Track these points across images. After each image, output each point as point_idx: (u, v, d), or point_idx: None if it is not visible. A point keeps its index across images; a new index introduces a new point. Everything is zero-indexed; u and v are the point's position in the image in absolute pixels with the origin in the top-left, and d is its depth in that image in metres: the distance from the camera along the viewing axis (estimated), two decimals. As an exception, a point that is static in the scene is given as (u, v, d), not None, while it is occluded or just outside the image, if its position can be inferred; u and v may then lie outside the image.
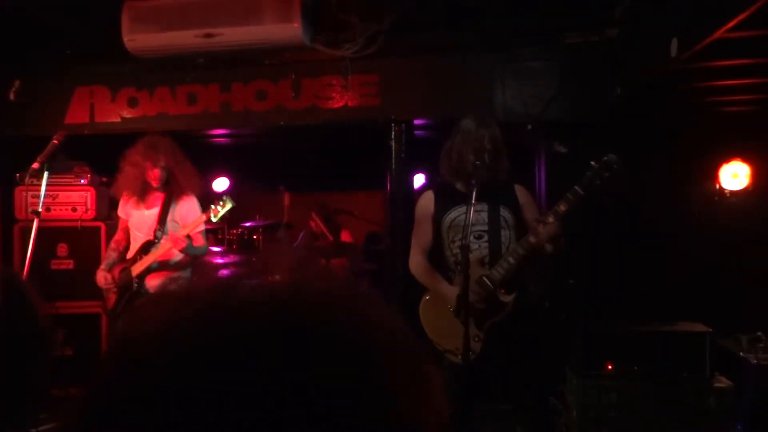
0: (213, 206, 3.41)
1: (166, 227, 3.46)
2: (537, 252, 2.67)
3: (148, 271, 3.45)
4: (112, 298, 3.51)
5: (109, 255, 3.58)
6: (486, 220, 2.77)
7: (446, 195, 2.84)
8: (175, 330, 0.40)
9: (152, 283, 3.46)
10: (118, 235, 3.64)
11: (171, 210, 3.49)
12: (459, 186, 2.81)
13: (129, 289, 3.46)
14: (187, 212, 3.49)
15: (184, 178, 3.49)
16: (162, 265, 3.48)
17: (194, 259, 3.58)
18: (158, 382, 0.38)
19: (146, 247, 3.47)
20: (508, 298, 2.69)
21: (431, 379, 0.44)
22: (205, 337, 0.39)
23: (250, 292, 0.42)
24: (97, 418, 0.39)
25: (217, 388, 0.37)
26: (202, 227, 3.51)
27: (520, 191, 2.87)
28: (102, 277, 3.50)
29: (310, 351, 0.39)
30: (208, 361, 0.38)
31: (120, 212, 3.63)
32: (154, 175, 3.41)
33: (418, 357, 0.44)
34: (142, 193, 3.47)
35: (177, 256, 3.49)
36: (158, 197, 3.49)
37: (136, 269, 3.45)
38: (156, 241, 3.45)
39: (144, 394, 0.38)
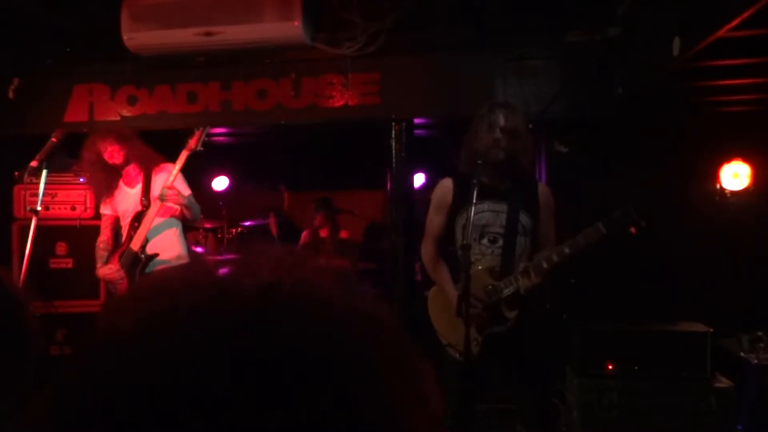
0: (189, 138, 3.42)
1: (150, 196, 3.47)
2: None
3: (147, 241, 3.43)
4: (123, 286, 3.49)
5: (100, 254, 3.57)
6: (503, 223, 2.68)
7: (465, 188, 2.66)
8: (157, 325, 0.39)
9: (154, 250, 3.45)
10: (105, 235, 3.62)
11: (153, 180, 3.50)
12: (480, 178, 2.63)
13: (137, 264, 3.42)
14: (165, 176, 3.50)
15: (146, 151, 3.52)
16: (158, 230, 3.46)
17: (187, 220, 3.60)
18: (136, 378, 0.37)
19: (137, 218, 3.47)
20: (511, 314, 2.66)
21: (425, 380, 0.43)
22: (191, 333, 0.38)
23: (241, 288, 0.41)
24: (68, 414, 0.38)
25: (201, 386, 0.36)
26: (186, 191, 3.51)
27: (543, 194, 2.78)
28: (107, 269, 3.47)
29: (303, 350, 0.38)
30: (192, 359, 0.37)
31: (104, 209, 3.63)
32: (112, 151, 3.42)
33: (411, 357, 0.43)
34: (113, 182, 3.51)
35: (169, 219, 3.50)
36: (137, 175, 3.52)
37: (136, 243, 3.42)
38: (144, 209, 3.45)
39: (120, 390, 0.37)
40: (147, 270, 3.42)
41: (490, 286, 2.64)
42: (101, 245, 3.60)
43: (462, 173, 2.75)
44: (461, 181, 2.75)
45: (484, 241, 2.69)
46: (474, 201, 2.51)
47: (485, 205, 2.66)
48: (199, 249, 5.04)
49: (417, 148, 4.16)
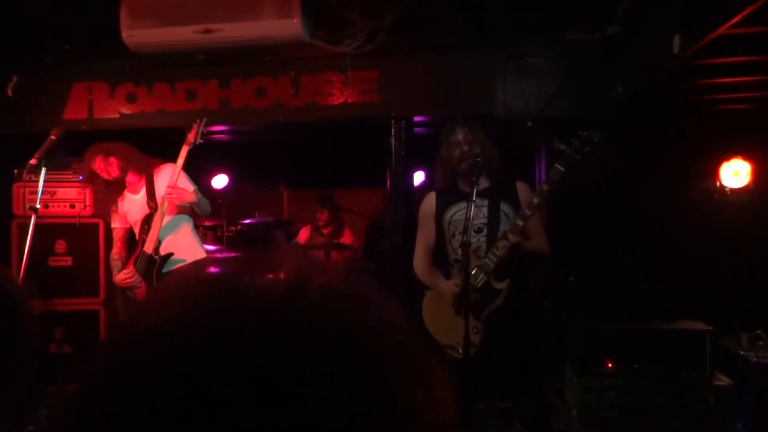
0: (188, 132, 3.42)
1: (156, 199, 3.48)
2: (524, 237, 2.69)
3: (159, 243, 3.43)
4: (141, 291, 3.47)
5: (115, 264, 3.57)
6: (486, 214, 2.80)
7: (447, 193, 2.91)
8: (168, 327, 0.39)
9: (169, 250, 3.45)
10: (117, 247, 3.62)
11: (156, 183, 3.51)
12: (460, 185, 2.88)
13: (153, 266, 3.41)
14: (167, 175, 3.50)
15: (141, 156, 3.53)
16: (169, 229, 3.47)
17: (196, 215, 3.61)
18: (149, 378, 0.37)
19: (147, 221, 3.47)
20: (501, 285, 2.72)
21: (436, 376, 0.42)
22: (200, 334, 0.38)
23: (248, 288, 0.41)
24: (86, 415, 0.38)
25: (211, 386, 0.36)
26: (192, 186, 3.51)
27: (521, 188, 2.90)
28: (122, 275, 3.45)
29: (308, 349, 0.38)
30: (203, 359, 0.37)
31: (114, 224, 3.63)
32: (107, 167, 3.43)
33: (422, 355, 0.43)
34: (117, 195, 3.54)
35: (179, 217, 3.51)
36: (139, 181, 3.53)
37: (149, 246, 3.41)
38: (152, 212, 3.46)
39: (134, 390, 0.37)
40: (164, 270, 3.41)
41: (476, 268, 2.70)
42: (115, 257, 3.60)
43: (441, 189, 2.92)
44: (442, 189, 2.94)
45: (471, 232, 2.75)
46: (474, 198, 2.59)
47: (466, 203, 2.72)
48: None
49: (417, 147, 4.16)
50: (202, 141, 3.45)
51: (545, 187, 2.65)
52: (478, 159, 2.69)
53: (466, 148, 2.80)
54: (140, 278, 3.42)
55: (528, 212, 2.64)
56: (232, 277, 0.43)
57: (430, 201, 2.98)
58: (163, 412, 0.36)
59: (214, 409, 0.35)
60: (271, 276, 0.42)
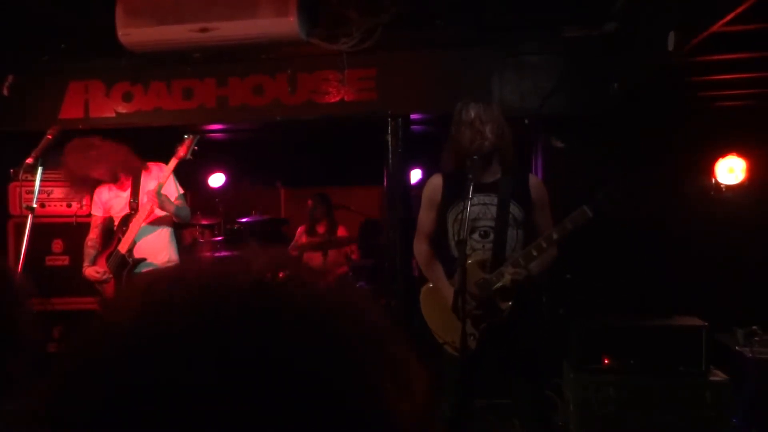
0: (179, 146, 3.44)
1: (138, 199, 3.50)
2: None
3: (134, 244, 3.46)
4: (110, 287, 3.51)
5: (88, 252, 3.59)
6: (494, 215, 2.67)
7: (454, 184, 2.70)
8: (152, 321, 0.40)
9: (142, 253, 3.48)
10: (93, 233, 3.64)
11: (142, 182, 3.53)
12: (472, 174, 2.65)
13: (124, 267, 3.45)
14: (156, 176, 3.52)
15: (128, 156, 3.52)
16: (147, 233, 3.49)
17: (177, 222, 3.63)
18: (132, 373, 0.37)
19: (124, 221, 3.50)
20: (505, 305, 2.64)
21: (410, 371, 0.43)
22: (186, 328, 0.39)
23: (235, 284, 0.42)
24: (66, 410, 0.38)
25: (196, 378, 0.37)
26: (177, 191, 3.53)
27: (534, 185, 2.75)
28: (92, 270, 3.49)
29: (275, 342, 0.39)
30: (187, 352, 0.38)
31: (94, 211, 3.66)
32: (97, 168, 3.45)
33: (394, 348, 0.44)
34: (94, 186, 3.56)
35: (159, 222, 3.52)
36: (127, 179, 3.56)
37: (123, 246, 3.46)
38: (132, 212, 3.49)
39: (117, 384, 0.37)
40: (135, 272, 3.44)
41: (481, 280, 2.62)
42: (89, 243, 3.62)
43: (449, 171, 2.76)
44: (450, 177, 2.75)
45: (475, 235, 2.67)
46: (470, 196, 2.51)
47: (474, 199, 2.63)
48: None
49: (414, 144, 4.16)
50: (191, 157, 3.47)
51: (569, 226, 2.53)
52: (475, 157, 2.60)
53: (478, 129, 2.61)
54: (110, 275, 3.46)
55: (544, 244, 2.55)
56: (202, 274, 0.44)
57: (435, 188, 2.78)
58: (152, 404, 0.36)
59: (184, 403, 0.36)
60: (242, 271, 0.43)
